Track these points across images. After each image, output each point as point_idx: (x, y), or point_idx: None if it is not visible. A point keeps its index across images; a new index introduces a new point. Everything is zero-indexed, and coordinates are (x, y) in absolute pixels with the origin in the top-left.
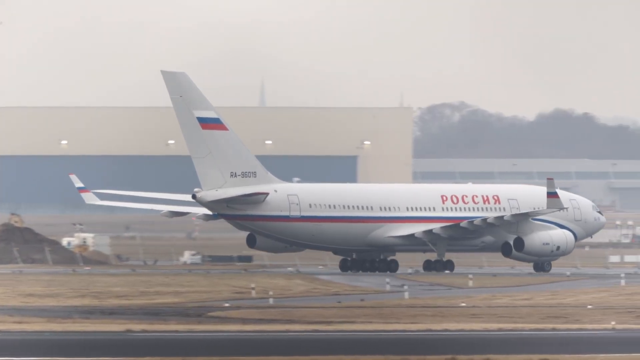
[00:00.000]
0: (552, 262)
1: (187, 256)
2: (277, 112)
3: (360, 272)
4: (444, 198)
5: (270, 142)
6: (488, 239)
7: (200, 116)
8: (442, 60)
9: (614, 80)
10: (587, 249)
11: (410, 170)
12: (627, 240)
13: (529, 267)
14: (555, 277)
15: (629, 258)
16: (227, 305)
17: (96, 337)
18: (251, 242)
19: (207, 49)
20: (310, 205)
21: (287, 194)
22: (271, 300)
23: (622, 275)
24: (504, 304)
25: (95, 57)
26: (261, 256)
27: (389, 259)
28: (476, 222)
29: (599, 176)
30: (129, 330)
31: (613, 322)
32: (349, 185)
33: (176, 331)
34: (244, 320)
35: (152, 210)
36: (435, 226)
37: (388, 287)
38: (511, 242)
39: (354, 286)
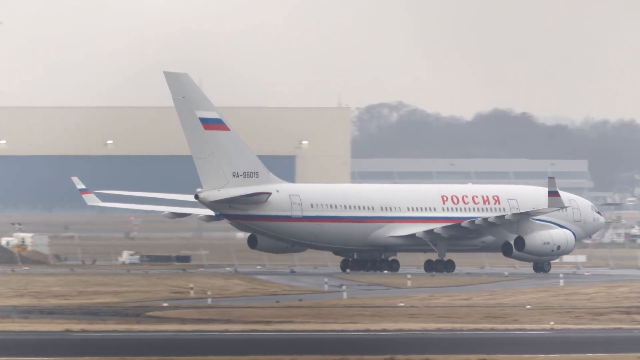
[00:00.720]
0: (547, 262)
1: (125, 256)
2: None
3: (362, 272)
4: (445, 198)
5: None
6: (489, 238)
7: (203, 117)
8: (380, 60)
9: (552, 80)
10: None
11: (349, 170)
12: None
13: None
14: (494, 277)
15: (567, 258)
16: (165, 305)
17: (35, 336)
18: (252, 243)
19: (146, 49)
20: (312, 205)
21: (289, 194)
22: (209, 300)
23: (561, 275)
24: (443, 304)
25: (40, 58)
26: (200, 256)
27: (390, 259)
28: (477, 221)
29: (537, 176)
30: (68, 330)
31: (552, 323)
32: (350, 185)
33: (115, 331)
34: (183, 320)
35: (153, 211)
36: (436, 226)
37: (326, 287)
38: (512, 242)
39: (293, 286)
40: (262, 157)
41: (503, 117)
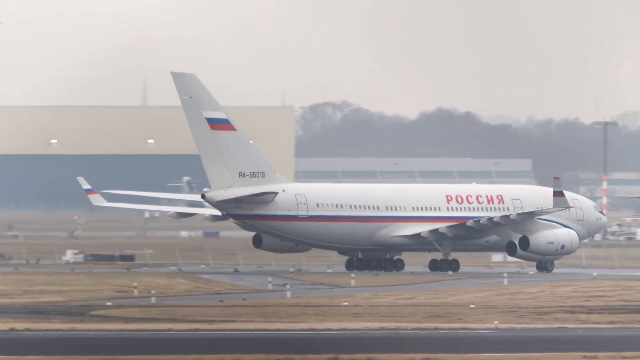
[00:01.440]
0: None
1: (69, 255)
2: (159, 111)
3: (366, 271)
4: (449, 198)
5: (152, 141)
6: (493, 238)
7: (209, 117)
8: (324, 60)
9: (496, 79)
10: None
11: (293, 169)
12: None
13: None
14: (438, 276)
15: (511, 258)
16: (109, 304)
17: None
18: (257, 242)
19: (89, 47)
20: (317, 205)
21: (294, 194)
22: (153, 299)
23: (505, 274)
24: (386, 303)
25: None
26: (143, 255)
27: (395, 258)
28: (482, 221)
29: (481, 175)
30: (12, 329)
31: (496, 322)
32: (356, 185)
33: (59, 330)
34: (126, 319)
35: (159, 211)
36: (440, 226)
37: (270, 286)
38: (516, 241)
39: (236, 285)
40: None
41: (447, 117)
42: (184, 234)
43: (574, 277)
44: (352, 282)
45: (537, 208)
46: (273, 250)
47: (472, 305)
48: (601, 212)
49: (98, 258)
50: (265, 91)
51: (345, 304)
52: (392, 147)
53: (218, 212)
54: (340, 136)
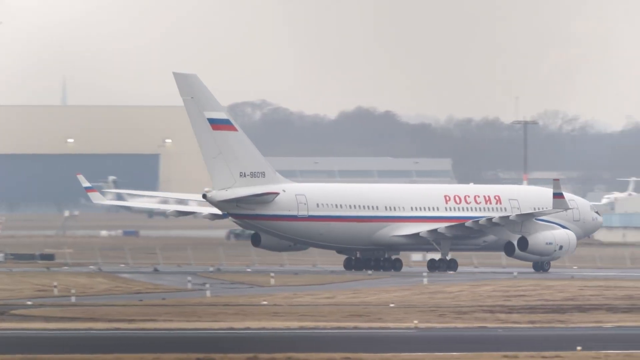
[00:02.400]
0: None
1: None
2: (78, 111)
3: (364, 270)
4: (447, 198)
5: (72, 140)
6: (491, 238)
7: (211, 117)
8: (243, 58)
9: (416, 78)
10: None
11: None
12: None
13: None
14: (357, 275)
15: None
16: (29, 303)
17: None
18: (256, 241)
19: (10, 48)
20: (317, 205)
21: (295, 194)
22: (73, 299)
23: (424, 273)
24: (306, 302)
25: None
26: (63, 255)
27: (393, 257)
28: (481, 221)
29: (401, 174)
30: None
31: (415, 321)
32: (355, 185)
33: None
34: (47, 318)
35: (158, 210)
36: (439, 226)
37: (189, 286)
38: (515, 242)
39: (156, 284)
40: (126, 156)
41: (367, 116)
42: (103, 233)
43: (493, 276)
44: (272, 281)
45: (535, 208)
46: (271, 249)
47: (392, 305)
48: (597, 212)
49: (18, 257)
50: None
51: (265, 303)
52: (311, 147)
53: (217, 211)
54: (260, 135)
